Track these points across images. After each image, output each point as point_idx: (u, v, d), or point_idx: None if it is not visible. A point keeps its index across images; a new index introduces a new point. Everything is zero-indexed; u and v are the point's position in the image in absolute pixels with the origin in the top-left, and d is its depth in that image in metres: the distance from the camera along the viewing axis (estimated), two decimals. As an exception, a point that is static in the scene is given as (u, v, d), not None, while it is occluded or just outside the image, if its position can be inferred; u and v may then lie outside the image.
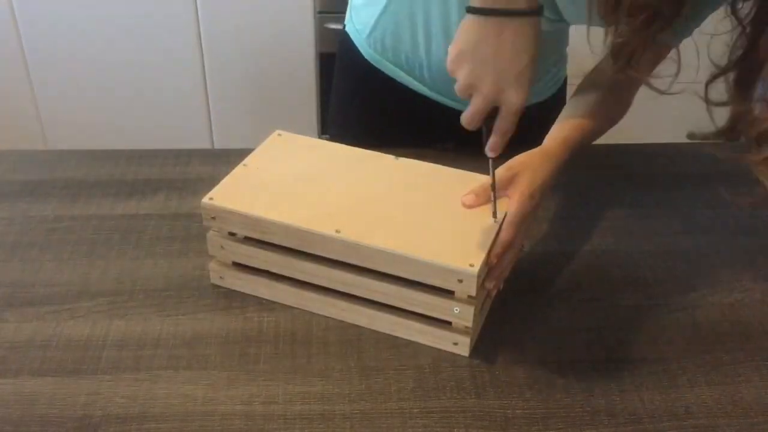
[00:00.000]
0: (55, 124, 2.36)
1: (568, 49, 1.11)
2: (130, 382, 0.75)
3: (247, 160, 0.88)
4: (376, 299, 0.80)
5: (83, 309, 0.83)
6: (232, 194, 0.82)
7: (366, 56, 1.09)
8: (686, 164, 1.14)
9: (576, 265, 0.92)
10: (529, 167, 0.81)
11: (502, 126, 0.73)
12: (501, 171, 0.79)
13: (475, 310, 0.76)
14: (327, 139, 0.97)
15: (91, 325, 0.81)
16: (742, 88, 0.79)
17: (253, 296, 0.85)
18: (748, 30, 0.77)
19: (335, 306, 0.82)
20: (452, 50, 0.73)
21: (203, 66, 2.29)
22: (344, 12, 1.15)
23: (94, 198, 1.01)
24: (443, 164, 0.88)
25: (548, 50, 1.03)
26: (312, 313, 0.84)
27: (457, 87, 0.74)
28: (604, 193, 1.06)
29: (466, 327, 0.77)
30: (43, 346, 0.78)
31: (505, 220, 0.78)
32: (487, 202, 0.79)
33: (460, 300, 0.76)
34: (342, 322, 0.83)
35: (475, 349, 0.80)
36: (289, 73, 2.31)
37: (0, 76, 2.25)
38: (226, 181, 0.84)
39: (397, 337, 0.81)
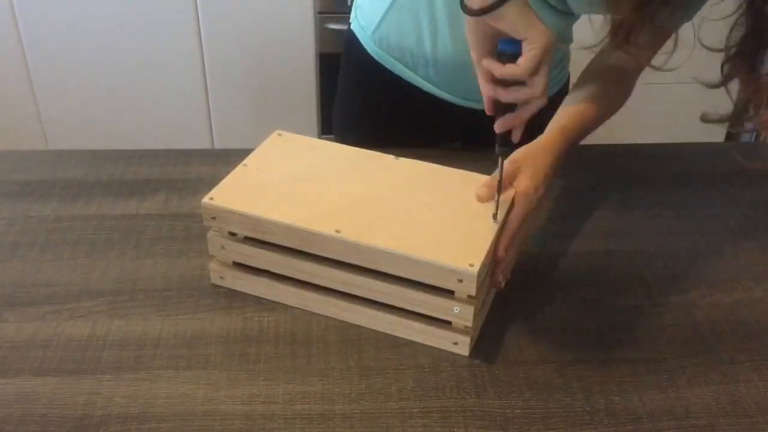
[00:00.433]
0: (56, 124, 2.36)
1: (571, 46, 1.12)
2: (130, 382, 0.75)
3: (247, 160, 0.88)
4: (376, 299, 0.80)
5: (83, 309, 0.83)
6: (232, 194, 0.82)
7: (371, 53, 1.09)
8: (686, 164, 1.14)
9: (576, 265, 0.92)
10: (531, 160, 0.82)
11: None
12: (504, 164, 0.80)
13: (475, 309, 0.76)
14: (329, 139, 0.97)
15: (92, 325, 0.81)
16: (749, 65, 0.79)
17: (253, 296, 0.85)
18: (755, 5, 0.77)
19: (335, 306, 0.82)
20: None
21: (203, 66, 2.29)
22: (344, 12, 1.16)
23: (94, 198, 1.01)
24: (445, 164, 0.88)
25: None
26: (312, 313, 0.84)
27: None
28: (604, 193, 1.06)
29: (466, 327, 0.77)
30: (43, 346, 0.78)
31: (511, 213, 0.79)
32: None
33: (460, 300, 0.76)
34: (342, 322, 0.83)
35: (475, 349, 0.80)
36: (289, 73, 2.32)
37: (0, 76, 2.26)
38: (226, 181, 0.84)
39: (397, 337, 0.81)
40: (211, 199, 0.81)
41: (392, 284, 0.78)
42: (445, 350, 0.80)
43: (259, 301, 0.85)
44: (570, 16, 0.97)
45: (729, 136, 2.49)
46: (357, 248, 0.76)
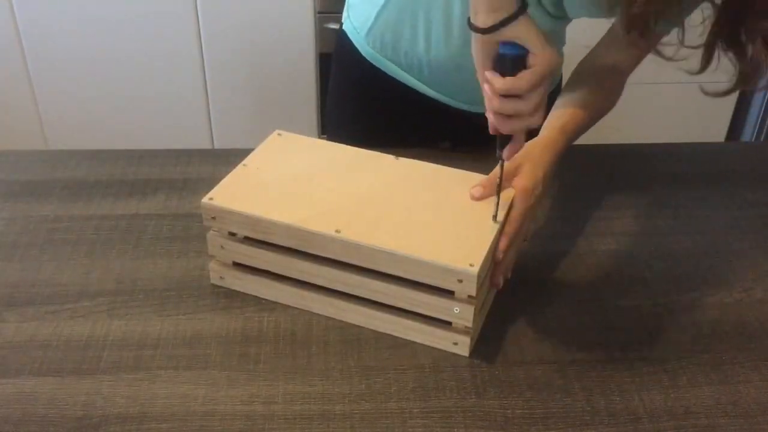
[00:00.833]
0: (56, 124, 2.36)
1: (564, 49, 1.12)
2: (130, 382, 0.75)
3: (247, 160, 0.88)
4: (376, 299, 0.80)
5: (83, 309, 0.83)
6: (232, 194, 0.82)
7: (364, 54, 1.09)
8: (686, 164, 1.14)
9: (576, 265, 0.92)
10: (530, 159, 0.82)
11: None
12: (505, 163, 0.80)
13: (475, 310, 0.76)
14: (329, 139, 0.97)
15: (91, 325, 0.81)
16: (733, 38, 0.81)
17: (253, 296, 0.85)
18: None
19: (335, 306, 0.82)
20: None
21: (203, 66, 2.29)
22: (344, 12, 1.15)
23: (94, 198, 1.01)
24: (443, 164, 0.88)
25: None
26: (312, 313, 0.84)
27: None
28: (604, 193, 1.06)
29: (466, 327, 0.77)
30: (43, 346, 0.78)
31: (510, 213, 0.79)
32: (493, 192, 0.80)
33: (460, 300, 0.76)
34: (342, 322, 0.83)
35: (475, 349, 0.80)
36: (289, 73, 2.32)
37: (0, 76, 2.25)
38: (226, 181, 0.84)
39: (397, 337, 0.81)
40: (211, 199, 0.81)
41: (392, 284, 0.78)
42: (445, 350, 0.80)
43: (258, 301, 0.85)
44: (564, 19, 0.97)
45: (729, 136, 2.49)
46: (357, 248, 0.76)
